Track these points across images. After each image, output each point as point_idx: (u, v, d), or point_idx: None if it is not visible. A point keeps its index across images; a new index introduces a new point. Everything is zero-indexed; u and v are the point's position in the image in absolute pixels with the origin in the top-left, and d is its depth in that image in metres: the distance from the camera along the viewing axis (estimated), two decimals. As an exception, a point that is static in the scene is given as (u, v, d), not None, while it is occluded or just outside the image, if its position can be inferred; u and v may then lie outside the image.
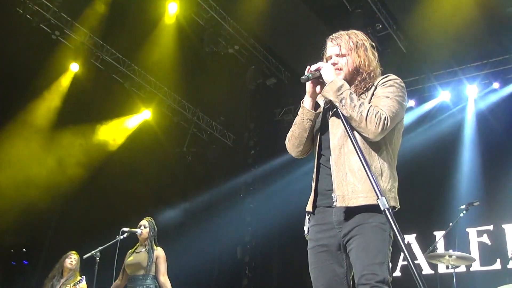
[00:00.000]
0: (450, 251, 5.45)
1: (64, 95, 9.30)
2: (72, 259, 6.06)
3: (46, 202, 8.54)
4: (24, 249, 9.98)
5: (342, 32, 2.69)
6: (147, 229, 5.62)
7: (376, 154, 2.45)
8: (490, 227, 7.58)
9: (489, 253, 7.44)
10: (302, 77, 2.53)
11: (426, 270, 7.72)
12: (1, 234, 8.44)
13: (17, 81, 8.51)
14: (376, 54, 2.70)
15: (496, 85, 8.16)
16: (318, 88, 2.57)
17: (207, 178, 10.67)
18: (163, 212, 9.70)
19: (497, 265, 7.30)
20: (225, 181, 10.19)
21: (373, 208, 2.28)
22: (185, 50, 9.21)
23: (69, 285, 5.73)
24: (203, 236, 9.79)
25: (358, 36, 2.67)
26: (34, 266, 9.49)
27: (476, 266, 7.30)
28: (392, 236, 2.35)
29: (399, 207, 2.47)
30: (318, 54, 2.75)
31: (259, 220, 9.80)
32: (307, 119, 2.62)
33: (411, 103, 8.68)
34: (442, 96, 8.59)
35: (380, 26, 8.11)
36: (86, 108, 9.37)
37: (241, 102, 10.55)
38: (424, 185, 8.00)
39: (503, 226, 7.50)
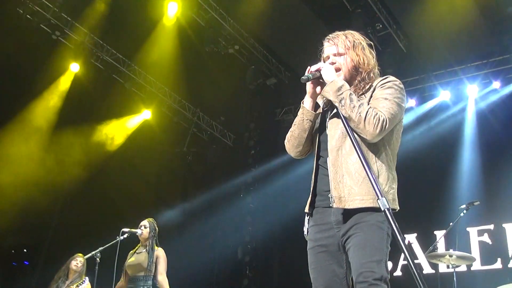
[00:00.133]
0: (451, 250, 5.46)
1: (64, 95, 9.30)
2: (78, 261, 6.05)
3: (46, 202, 8.52)
4: (25, 250, 9.98)
5: (338, 32, 2.69)
6: (148, 230, 5.60)
7: (374, 156, 2.44)
8: (491, 227, 7.57)
9: (489, 253, 7.43)
10: (303, 77, 2.52)
11: (427, 269, 7.72)
12: (2, 235, 8.43)
13: (17, 81, 8.50)
14: (374, 53, 2.70)
15: (496, 84, 8.14)
16: (318, 89, 2.57)
17: (207, 178, 10.66)
18: (163, 212, 9.69)
19: (498, 265, 7.29)
20: (225, 181, 10.16)
21: (371, 208, 2.32)
22: (185, 50, 9.20)
23: (72, 287, 5.73)
24: (203, 236, 9.79)
25: (354, 35, 2.68)
26: (34, 266, 9.49)
27: (476, 266, 7.29)
28: (390, 235, 2.36)
29: (398, 208, 2.46)
30: (318, 54, 2.76)
31: (259, 220, 9.78)
32: (307, 119, 2.62)
33: (412, 102, 8.68)
34: (442, 95, 8.57)
35: (380, 26, 8.12)
36: (86, 108, 9.37)
37: (241, 102, 10.56)
38: (424, 185, 7.98)
39: (503, 225, 7.49)
